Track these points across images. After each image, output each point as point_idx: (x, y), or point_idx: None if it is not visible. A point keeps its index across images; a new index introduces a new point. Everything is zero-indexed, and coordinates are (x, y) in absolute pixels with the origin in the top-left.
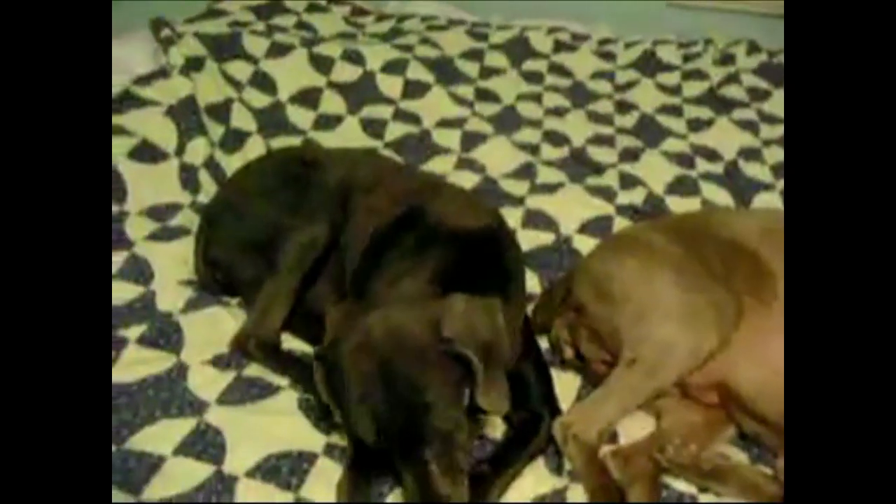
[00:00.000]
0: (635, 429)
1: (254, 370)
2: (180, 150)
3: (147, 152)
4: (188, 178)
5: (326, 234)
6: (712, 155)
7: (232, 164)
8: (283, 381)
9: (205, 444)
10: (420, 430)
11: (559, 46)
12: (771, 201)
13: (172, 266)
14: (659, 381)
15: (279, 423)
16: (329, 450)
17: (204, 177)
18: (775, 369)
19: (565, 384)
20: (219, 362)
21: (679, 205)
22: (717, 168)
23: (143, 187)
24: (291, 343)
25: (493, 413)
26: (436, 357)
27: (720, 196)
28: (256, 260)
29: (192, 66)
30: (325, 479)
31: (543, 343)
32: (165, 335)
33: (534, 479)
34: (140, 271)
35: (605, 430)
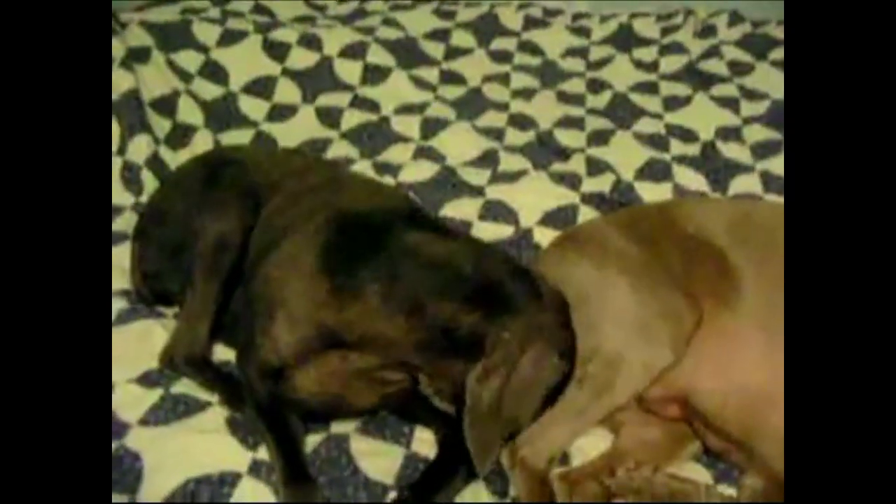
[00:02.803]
0: (591, 445)
1: (183, 387)
2: (122, 149)
3: None
4: (131, 178)
5: (236, 231)
6: (688, 135)
7: (178, 161)
8: (212, 398)
9: (121, 472)
10: None
11: (530, 23)
12: (749, 185)
13: None
14: (610, 401)
15: (203, 442)
16: (255, 468)
17: (147, 176)
18: (740, 381)
19: None
20: (146, 380)
21: (649, 191)
22: (693, 149)
23: None
24: (228, 354)
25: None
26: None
27: (695, 181)
28: (181, 268)
29: (137, 57)
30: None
31: None
32: None
33: (472, 499)
34: None
35: (555, 455)
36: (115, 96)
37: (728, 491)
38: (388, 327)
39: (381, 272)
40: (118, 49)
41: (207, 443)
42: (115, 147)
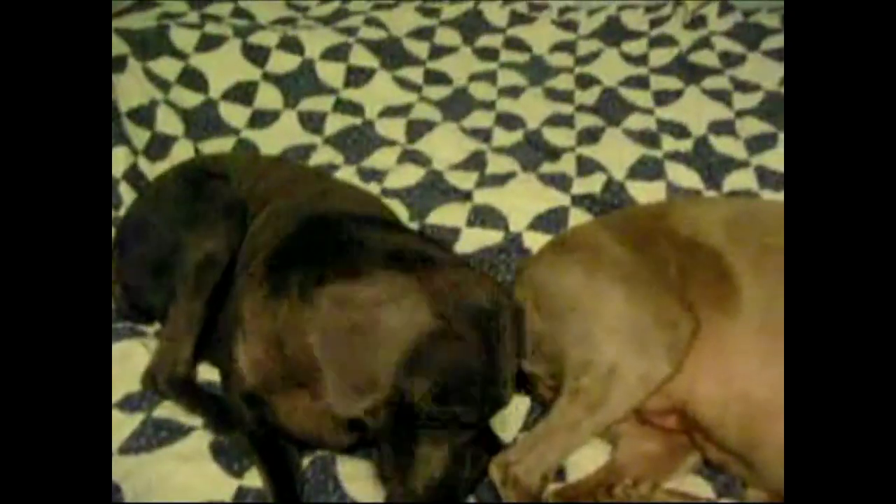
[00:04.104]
0: (588, 458)
1: (165, 409)
2: None
3: None
4: None
5: (223, 249)
6: (680, 131)
7: (157, 172)
8: (196, 421)
9: None
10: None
11: (516, 18)
12: (744, 181)
13: None
14: (605, 416)
15: (186, 470)
16: (240, 496)
17: (125, 189)
18: (740, 390)
19: (512, 406)
20: (126, 404)
21: (642, 190)
22: (686, 145)
23: None
24: (212, 374)
25: None
26: None
27: (688, 177)
28: (164, 283)
29: (113, 66)
30: None
31: None
32: None
33: None
34: None
35: (548, 472)
36: None
37: None
38: (309, 318)
39: (306, 266)
40: None
41: (190, 471)
42: None
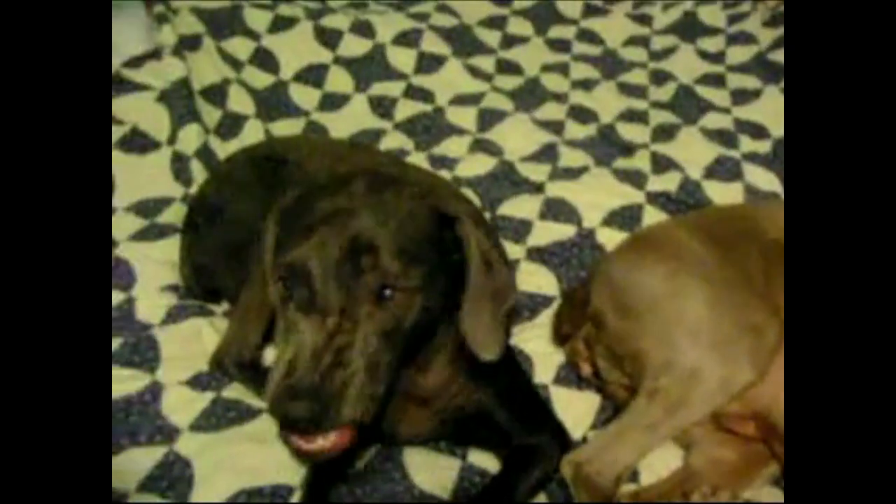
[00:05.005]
0: (660, 460)
1: (234, 391)
2: (172, 139)
3: (137, 142)
4: (180, 168)
5: None
6: (759, 131)
7: (228, 151)
8: (264, 404)
9: (171, 479)
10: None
11: (590, 10)
12: None
13: (156, 269)
14: (683, 418)
15: (255, 451)
16: None
17: (196, 167)
18: None
19: (582, 402)
20: (197, 382)
21: (718, 191)
22: (765, 147)
23: (133, 180)
24: None
25: (479, 351)
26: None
27: (767, 180)
28: (237, 266)
29: (188, 44)
30: None
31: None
32: (140, 351)
33: None
34: (120, 275)
35: (622, 473)
36: (165, 85)
37: None
38: None
39: None
40: (169, 36)
41: (260, 453)
42: (164, 137)
